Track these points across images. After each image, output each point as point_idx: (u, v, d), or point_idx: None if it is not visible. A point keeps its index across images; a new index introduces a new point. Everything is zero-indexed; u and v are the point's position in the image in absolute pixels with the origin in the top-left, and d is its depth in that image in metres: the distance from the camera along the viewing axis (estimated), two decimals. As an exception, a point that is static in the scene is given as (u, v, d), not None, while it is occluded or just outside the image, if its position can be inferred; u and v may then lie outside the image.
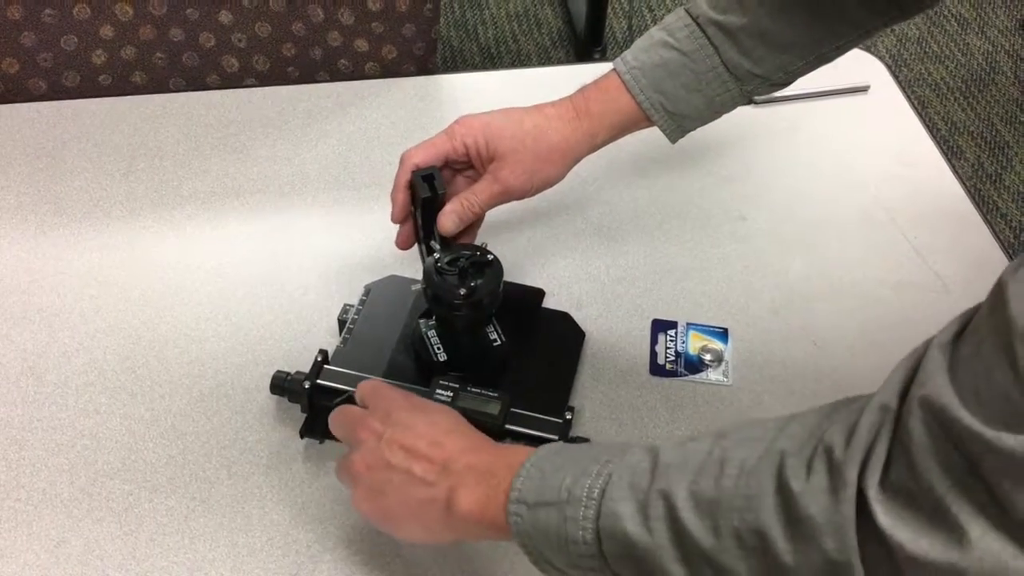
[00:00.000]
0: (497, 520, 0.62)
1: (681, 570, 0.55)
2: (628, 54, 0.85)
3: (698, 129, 1.12)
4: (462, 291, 0.78)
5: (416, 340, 0.84)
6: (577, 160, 0.87)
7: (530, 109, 0.86)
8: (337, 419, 0.73)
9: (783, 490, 0.51)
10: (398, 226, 0.88)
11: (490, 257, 0.80)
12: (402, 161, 0.85)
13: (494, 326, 0.85)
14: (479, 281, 0.78)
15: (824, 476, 0.50)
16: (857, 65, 1.19)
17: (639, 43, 0.86)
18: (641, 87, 0.84)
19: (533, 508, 0.60)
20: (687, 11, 0.84)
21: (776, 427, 0.55)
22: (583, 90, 0.87)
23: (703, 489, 0.54)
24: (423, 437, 0.67)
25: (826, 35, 0.83)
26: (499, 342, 0.84)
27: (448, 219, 0.84)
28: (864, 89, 1.17)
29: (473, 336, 0.84)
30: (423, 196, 0.83)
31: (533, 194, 0.86)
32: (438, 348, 0.83)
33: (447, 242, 0.85)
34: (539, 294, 0.92)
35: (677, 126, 0.87)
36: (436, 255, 0.80)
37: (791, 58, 0.84)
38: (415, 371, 0.83)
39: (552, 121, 0.85)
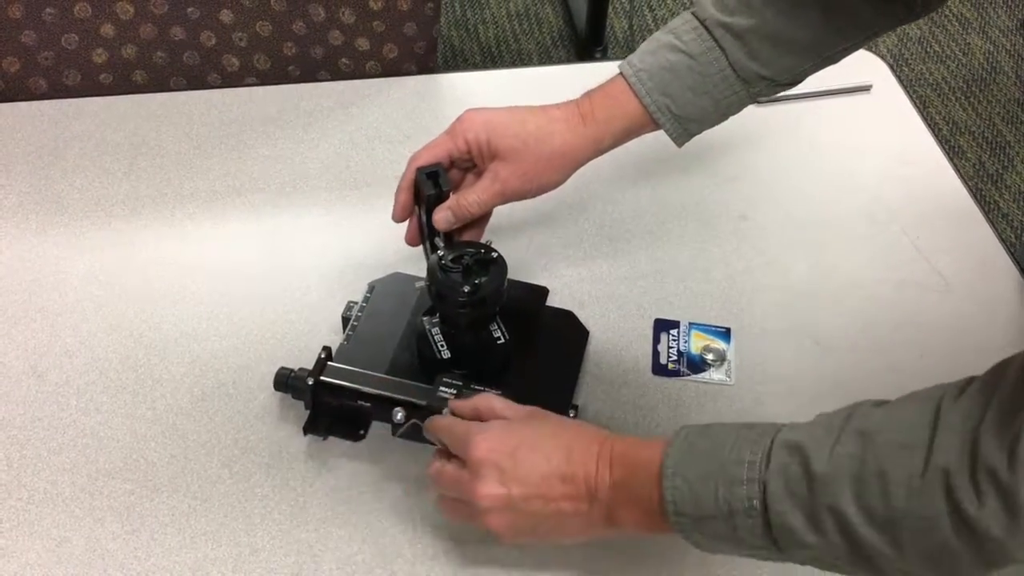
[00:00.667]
0: (664, 527, 0.64)
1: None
2: (634, 57, 0.84)
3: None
4: (466, 288, 0.78)
5: (420, 337, 0.84)
6: (579, 166, 0.86)
7: (535, 110, 0.84)
8: (446, 434, 0.73)
9: (958, 512, 0.53)
10: (403, 224, 0.88)
11: (494, 255, 0.80)
12: (409, 163, 0.85)
13: (498, 324, 0.84)
14: (483, 279, 0.78)
15: (996, 500, 0.52)
16: (859, 65, 1.19)
17: (645, 46, 0.84)
18: (647, 90, 0.83)
19: (697, 521, 0.62)
20: (693, 14, 0.83)
21: (924, 432, 0.56)
22: (589, 95, 0.85)
23: (873, 507, 0.56)
24: (552, 476, 0.67)
25: (834, 36, 0.83)
26: (503, 340, 0.84)
27: (442, 216, 0.83)
28: (867, 88, 1.16)
29: (477, 334, 0.84)
30: (428, 193, 0.83)
31: (532, 196, 0.86)
32: (442, 346, 0.83)
33: (452, 240, 0.85)
34: (543, 293, 0.92)
35: (684, 130, 0.85)
36: (440, 252, 0.80)
37: (798, 59, 0.84)
38: (418, 369, 0.83)
39: (556, 124, 0.83)
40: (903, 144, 1.12)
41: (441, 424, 0.74)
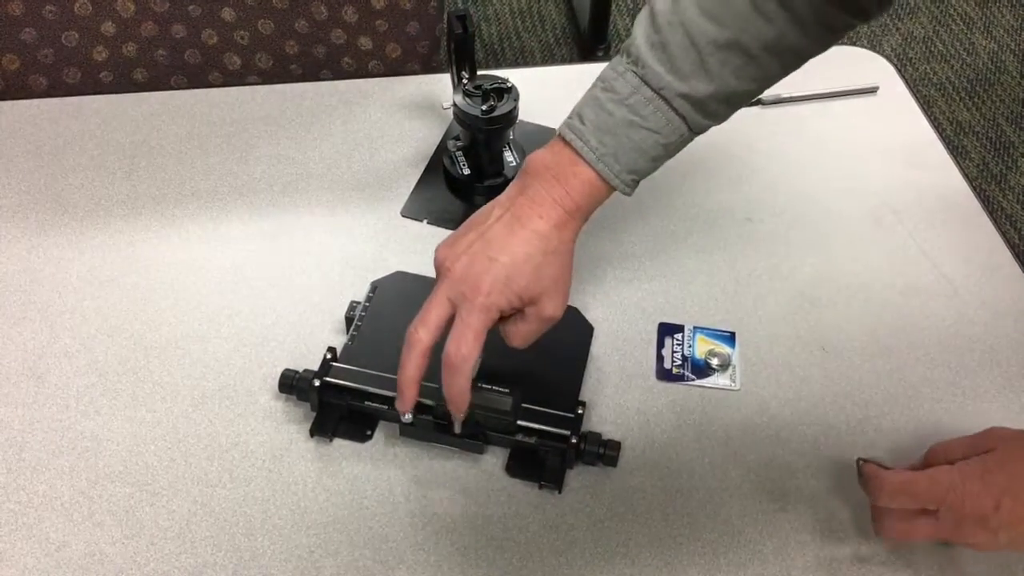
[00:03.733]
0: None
1: None
2: (592, 139, 0.77)
3: (705, 131, 1.12)
4: (484, 108, 0.96)
5: (446, 158, 1.03)
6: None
7: (533, 242, 0.75)
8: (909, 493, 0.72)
9: None
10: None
11: (508, 84, 0.98)
12: (414, 344, 0.75)
13: (512, 151, 1.03)
14: (498, 102, 0.97)
15: None
16: (865, 66, 1.18)
17: (599, 123, 0.77)
18: (616, 172, 0.77)
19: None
20: (644, 81, 0.76)
21: None
22: (561, 184, 0.77)
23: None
24: None
25: (780, 76, 0.81)
26: (515, 163, 1.03)
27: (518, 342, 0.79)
28: (873, 90, 1.16)
29: (492, 154, 1.02)
30: (456, 32, 0.97)
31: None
32: (463, 163, 1.02)
33: (475, 72, 1.00)
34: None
35: (634, 182, 0.80)
36: (465, 82, 0.98)
37: (741, 106, 0.82)
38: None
39: (552, 242, 0.76)
40: (909, 146, 1.11)
41: (906, 479, 0.71)
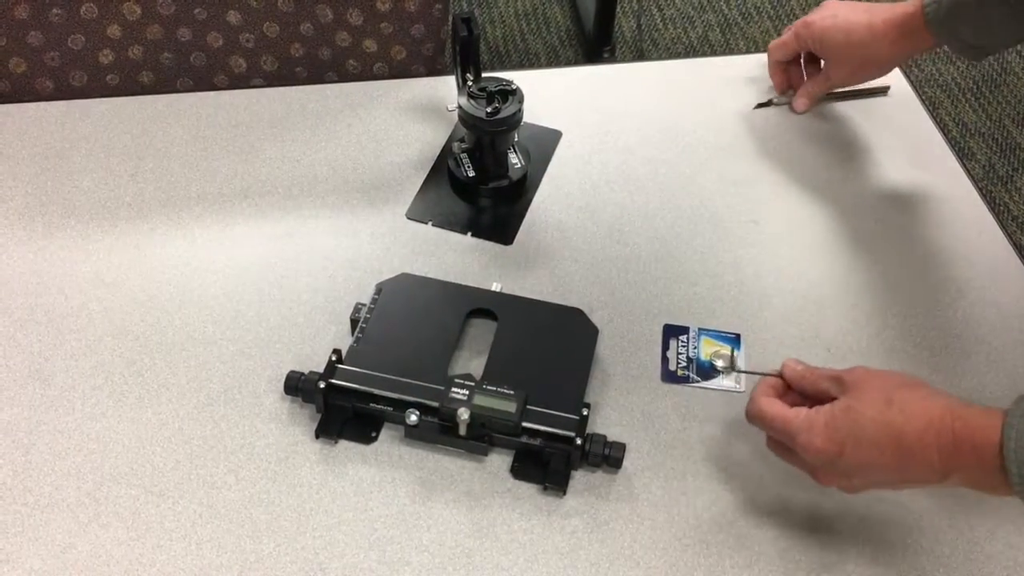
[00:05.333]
0: (1001, 490, 0.67)
1: None
2: None
3: (710, 132, 1.12)
4: (488, 110, 0.95)
5: (450, 159, 1.02)
6: (898, 65, 1.10)
7: (861, 17, 1.03)
8: (770, 423, 0.77)
9: None
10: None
11: (513, 87, 0.97)
12: (769, 52, 1.13)
13: (516, 151, 1.03)
14: (504, 104, 0.96)
15: None
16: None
17: None
18: (940, 21, 0.96)
19: None
20: None
21: None
22: (907, 6, 0.99)
23: None
24: (887, 468, 0.71)
25: None
26: (519, 165, 1.02)
27: (801, 102, 1.12)
28: (884, 91, 1.15)
29: (497, 155, 1.01)
30: (462, 35, 0.98)
31: (860, 83, 1.11)
32: (468, 166, 1.01)
33: (480, 74, 1.00)
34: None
35: (980, 52, 0.99)
36: (470, 84, 0.98)
37: None
38: (427, 370, 0.83)
39: (878, 39, 1.01)
40: (915, 147, 1.11)
41: (767, 414, 0.76)
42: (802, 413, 0.74)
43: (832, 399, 0.74)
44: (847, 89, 1.12)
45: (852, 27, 1.03)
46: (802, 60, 1.12)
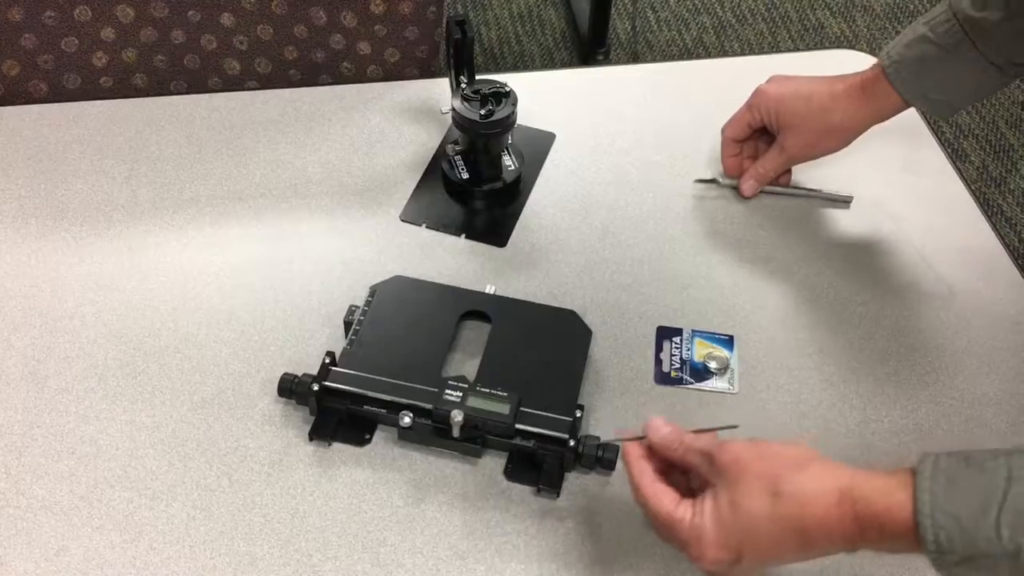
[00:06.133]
0: (916, 551, 0.61)
1: None
2: (892, 48, 0.93)
3: (704, 134, 1.11)
4: (482, 113, 0.95)
5: (444, 162, 1.03)
6: (858, 135, 0.97)
7: (821, 86, 0.97)
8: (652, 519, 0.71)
9: None
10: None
11: (507, 89, 0.98)
12: (722, 133, 1.04)
13: (510, 154, 1.03)
14: (498, 107, 0.96)
15: None
16: (866, 68, 1.18)
17: (902, 37, 0.93)
18: (902, 79, 0.92)
19: (968, 560, 0.59)
20: (949, 5, 0.89)
21: None
22: (866, 71, 0.95)
23: None
24: (788, 552, 0.66)
25: None
26: (513, 167, 1.03)
27: (749, 185, 1.02)
28: (847, 202, 1.06)
29: (491, 157, 1.01)
30: (456, 37, 0.98)
31: (817, 158, 1.01)
32: (461, 168, 1.01)
33: (473, 77, 1.00)
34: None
35: (946, 107, 0.94)
36: (464, 86, 0.98)
37: None
38: (421, 372, 0.83)
39: (839, 101, 0.95)
40: (909, 148, 1.11)
41: (650, 509, 0.70)
42: (687, 517, 0.67)
43: (703, 477, 0.69)
44: (806, 189, 1.04)
45: (812, 93, 0.97)
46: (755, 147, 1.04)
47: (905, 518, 0.61)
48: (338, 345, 0.86)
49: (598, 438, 0.80)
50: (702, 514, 0.67)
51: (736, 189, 1.04)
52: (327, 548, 0.77)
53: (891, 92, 0.93)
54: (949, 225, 1.03)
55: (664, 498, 0.69)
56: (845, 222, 1.03)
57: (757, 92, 1.00)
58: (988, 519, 0.58)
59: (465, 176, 1.02)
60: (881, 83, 0.93)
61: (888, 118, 0.96)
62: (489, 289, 0.92)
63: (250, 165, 1.06)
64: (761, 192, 1.03)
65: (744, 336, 0.92)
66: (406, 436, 0.82)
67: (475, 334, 0.90)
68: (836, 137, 0.98)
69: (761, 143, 1.04)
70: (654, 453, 0.73)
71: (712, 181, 1.04)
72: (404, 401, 0.81)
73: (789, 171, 1.04)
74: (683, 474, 0.73)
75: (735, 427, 0.74)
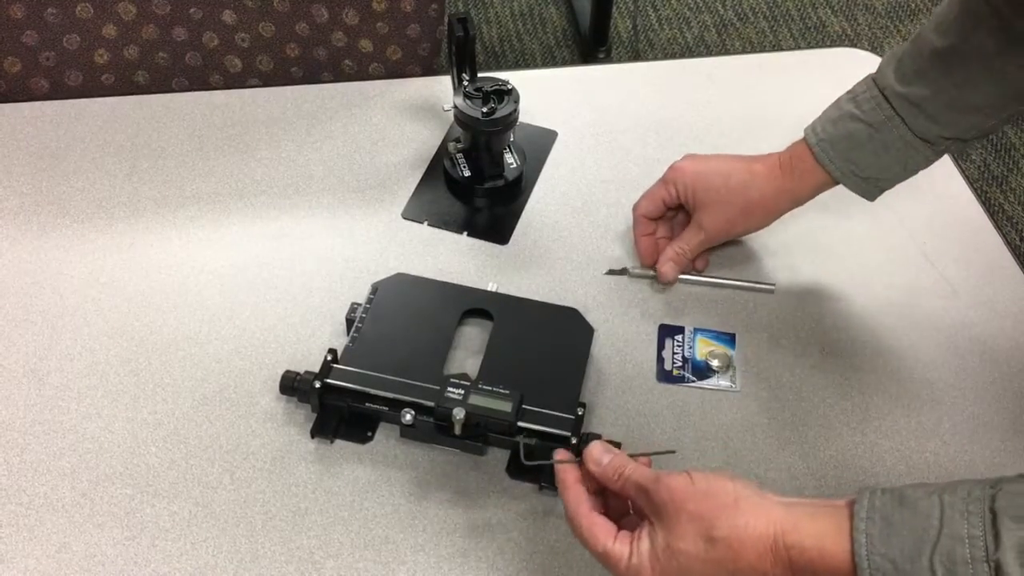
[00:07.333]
0: None
1: None
2: (818, 124, 0.89)
3: (705, 132, 1.11)
4: (484, 110, 0.95)
5: (446, 159, 1.02)
6: (778, 215, 0.93)
7: (739, 164, 0.92)
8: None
9: None
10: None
11: (508, 87, 0.98)
12: (633, 211, 0.97)
13: (512, 153, 1.03)
14: (499, 104, 0.96)
15: None
16: (865, 67, 1.18)
17: (828, 113, 0.90)
18: (830, 158, 0.88)
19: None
20: (874, 81, 0.87)
21: None
22: (789, 150, 0.91)
23: None
24: None
25: (1012, 101, 0.83)
26: (515, 165, 1.03)
27: (667, 267, 0.94)
28: (770, 289, 1.04)
29: (493, 155, 1.01)
30: (457, 35, 0.98)
31: (737, 237, 0.97)
32: (463, 165, 1.01)
33: (475, 74, 1.00)
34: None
35: (873, 188, 0.90)
36: (466, 84, 0.98)
37: (980, 119, 0.84)
38: (423, 370, 0.83)
39: (757, 179, 0.91)
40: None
41: (589, 543, 0.68)
42: (624, 556, 0.66)
43: (640, 511, 0.68)
44: (729, 280, 0.97)
45: (731, 170, 0.92)
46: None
47: (841, 560, 0.60)
48: (340, 342, 0.86)
49: (600, 436, 0.80)
50: (639, 554, 0.66)
51: (651, 279, 0.96)
52: (329, 545, 0.77)
53: (816, 170, 0.89)
54: (951, 223, 1.03)
55: (600, 533, 0.68)
56: (845, 223, 1.03)
57: (673, 168, 0.94)
58: (922, 562, 0.57)
59: (467, 174, 1.02)
60: (806, 161, 0.89)
61: (808, 199, 0.92)
62: (491, 287, 0.92)
63: (252, 162, 1.06)
64: (678, 281, 0.96)
65: (746, 334, 0.92)
66: (408, 434, 0.82)
67: (477, 332, 0.90)
68: (755, 216, 0.93)
69: (676, 224, 0.98)
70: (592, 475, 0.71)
71: (622, 272, 0.96)
72: (406, 399, 0.81)
73: (706, 256, 0.97)
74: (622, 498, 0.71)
75: (672, 452, 0.76)
